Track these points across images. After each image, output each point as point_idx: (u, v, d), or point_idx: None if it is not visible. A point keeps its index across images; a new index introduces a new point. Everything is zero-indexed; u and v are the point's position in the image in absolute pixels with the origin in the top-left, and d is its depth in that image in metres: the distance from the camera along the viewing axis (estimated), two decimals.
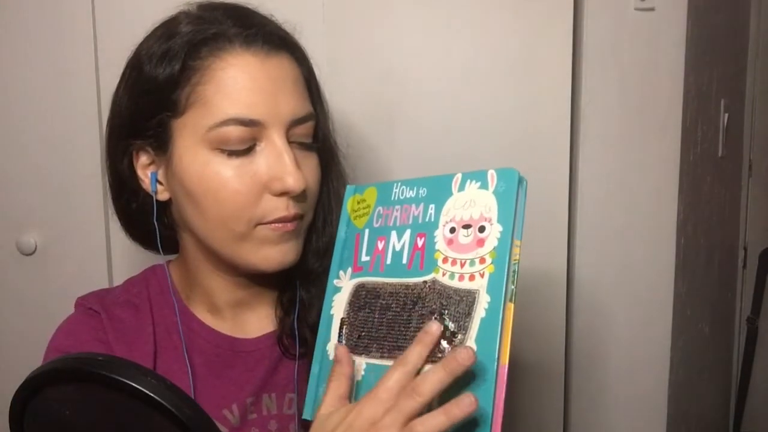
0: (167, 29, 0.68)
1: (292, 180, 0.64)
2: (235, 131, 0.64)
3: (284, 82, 0.67)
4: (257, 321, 0.76)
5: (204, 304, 0.75)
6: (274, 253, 0.67)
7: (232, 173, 0.65)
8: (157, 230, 0.71)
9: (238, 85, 0.64)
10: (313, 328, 0.70)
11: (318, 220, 0.74)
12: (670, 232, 1.19)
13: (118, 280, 0.80)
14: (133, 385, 0.47)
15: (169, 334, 0.73)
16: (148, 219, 0.71)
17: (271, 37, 0.68)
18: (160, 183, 0.70)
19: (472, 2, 1.09)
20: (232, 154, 0.65)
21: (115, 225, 1.09)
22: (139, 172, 0.71)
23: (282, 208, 0.66)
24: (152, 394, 0.46)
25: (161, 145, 0.68)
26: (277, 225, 0.66)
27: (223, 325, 0.75)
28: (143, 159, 0.70)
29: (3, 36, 1.07)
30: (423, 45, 1.09)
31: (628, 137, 1.16)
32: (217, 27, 0.66)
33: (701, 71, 1.28)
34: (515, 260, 0.56)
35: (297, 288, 0.74)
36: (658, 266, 1.20)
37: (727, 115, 1.49)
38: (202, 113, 0.65)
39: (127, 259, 1.09)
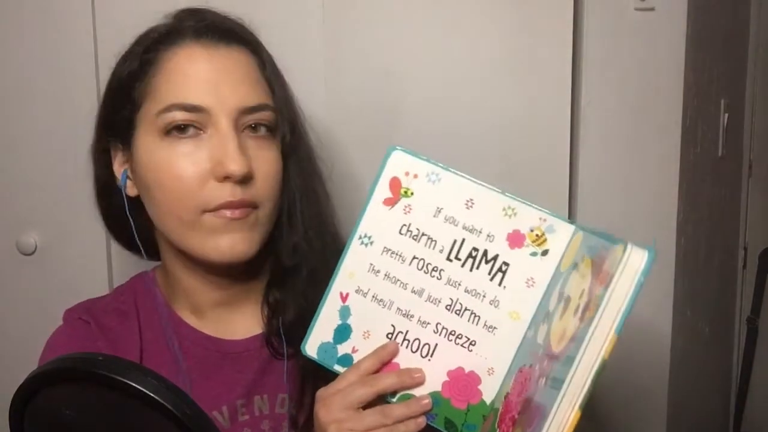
0: (140, 35, 0.71)
1: (234, 164, 0.64)
2: (178, 115, 0.65)
3: (234, 72, 0.67)
4: (243, 321, 0.75)
5: (187, 306, 0.75)
6: (223, 243, 0.66)
7: (176, 158, 0.65)
8: (133, 227, 0.72)
9: (183, 73, 0.66)
10: (292, 327, 0.71)
11: (282, 216, 0.73)
12: (670, 232, 1.19)
13: (119, 281, 0.80)
14: (134, 385, 0.46)
15: (157, 339, 0.73)
16: (124, 215, 0.72)
17: (222, 30, 0.69)
18: (130, 179, 0.71)
19: (472, 2, 1.08)
20: (179, 140, 0.65)
21: None
22: (116, 170, 0.72)
23: (227, 193, 0.65)
24: (152, 394, 0.46)
25: (127, 139, 0.69)
26: (223, 212, 0.65)
27: (208, 326, 0.74)
28: (119, 157, 0.72)
29: (3, 36, 1.07)
30: (423, 45, 1.09)
31: (628, 137, 1.16)
32: (173, 24, 0.69)
33: (701, 71, 1.28)
34: (603, 358, 0.47)
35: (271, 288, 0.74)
36: (658, 266, 1.19)
37: (727, 115, 1.49)
38: (153, 103, 0.66)
39: (127, 259, 1.08)
